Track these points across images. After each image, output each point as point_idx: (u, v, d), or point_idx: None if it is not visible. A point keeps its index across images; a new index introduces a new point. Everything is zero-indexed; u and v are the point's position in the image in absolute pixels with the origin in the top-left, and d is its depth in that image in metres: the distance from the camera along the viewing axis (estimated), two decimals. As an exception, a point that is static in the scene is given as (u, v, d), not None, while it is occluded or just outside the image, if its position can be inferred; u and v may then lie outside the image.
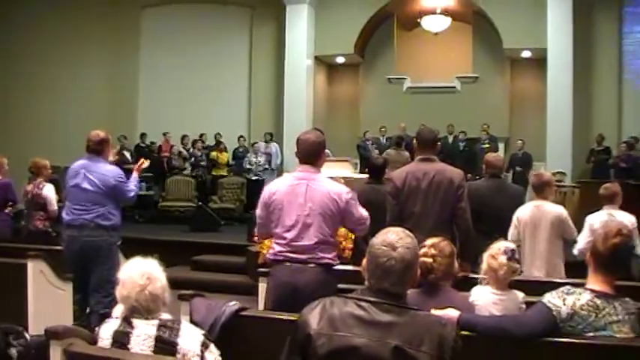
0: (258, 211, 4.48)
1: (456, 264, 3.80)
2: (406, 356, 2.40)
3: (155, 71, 17.66)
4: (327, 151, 11.26)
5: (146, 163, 6.67)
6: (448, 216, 5.00)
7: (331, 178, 4.66)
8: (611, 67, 15.45)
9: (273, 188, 4.40)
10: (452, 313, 3.16)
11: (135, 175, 6.36)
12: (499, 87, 17.05)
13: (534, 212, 6.17)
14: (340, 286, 4.24)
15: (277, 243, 4.32)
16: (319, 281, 4.14)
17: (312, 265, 4.19)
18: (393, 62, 17.71)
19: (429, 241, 3.74)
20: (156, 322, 2.97)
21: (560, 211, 6.20)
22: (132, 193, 6.17)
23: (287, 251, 4.24)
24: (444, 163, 5.42)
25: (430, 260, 3.62)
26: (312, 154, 4.39)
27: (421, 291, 3.60)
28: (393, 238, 2.54)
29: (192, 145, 15.98)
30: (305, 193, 4.25)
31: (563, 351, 3.06)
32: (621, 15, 15.54)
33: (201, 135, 16.17)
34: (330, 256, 4.28)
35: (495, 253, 3.72)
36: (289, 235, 4.24)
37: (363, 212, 4.43)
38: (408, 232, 2.61)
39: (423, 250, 3.59)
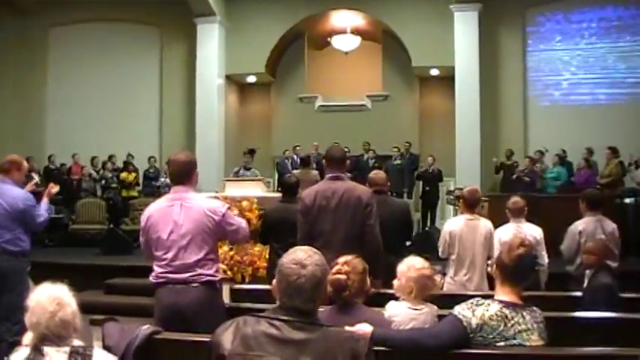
0: (140, 237, 4.48)
1: (368, 281, 3.79)
2: None
3: (64, 91, 17.19)
4: (254, 169, 11.27)
5: (56, 188, 6.48)
6: (358, 234, 5.00)
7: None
8: (517, 84, 15.95)
9: (149, 212, 4.40)
10: (365, 329, 3.18)
11: (45, 200, 6.18)
12: (409, 105, 17.36)
13: (467, 226, 6.30)
14: (255, 306, 4.23)
15: (157, 265, 4.30)
16: (202, 299, 4.16)
17: (194, 285, 4.19)
18: (304, 81, 17.86)
19: (342, 259, 3.73)
20: (67, 349, 2.87)
21: (490, 225, 6.38)
22: (42, 219, 5.99)
23: (168, 272, 4.23)
24: (354, 181, 5.46)
25: (344, 277, 3.60)
26: (182, 174, 4.42)
27: (335, 308, 3.59)
28: (302, 256, 2.53)
29: (102, 166, 15.62)
30: (180, 213, 4.26)
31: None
32: (524, 34, 16.07)
33: (111, 156, 15.77)
34: (210, 272, 4.28)
35: (412, 266, 3.74)
36: (168, 256, 4.23)
37: (241, 222, 4.50)
38: (315, 250, 2.62)
39: (336, 268, 3.60)
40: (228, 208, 4.46)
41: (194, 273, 4.20)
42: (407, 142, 15.79)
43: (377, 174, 6.23)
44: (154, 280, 4.34)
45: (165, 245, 4.24)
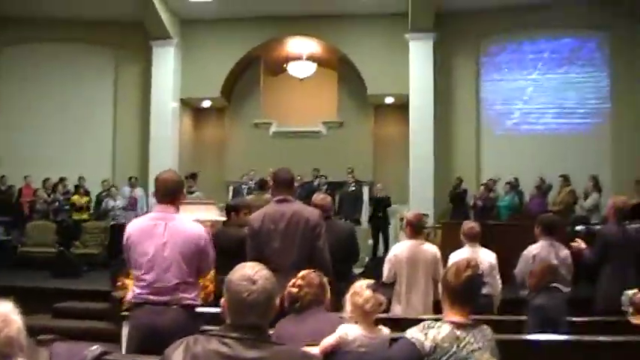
0: (124, 253, 4.39)
1: (328, 294, 3.82)
2: None
3: (15, 111, 16.77)
4: (198, 193, 11.14)
5: None
6: (307, 256, 4.96)
7: (198, 220, 4.59)
8: (470, 113, 16.12)
9: (131, 229, 4.33)
10: (318, 348, 3.14)
11: None
12: (363, 132, 17.43)
13: (412, 251, 6.35)
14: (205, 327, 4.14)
15: (137, 285, 4.21)
16: (180, 322, 4.04)
17: (174, 307, 4.11)
18: (259, 106, 17.84)
19: (300, 273, 3.82)
20: (11, 367, 2.75)
21: (436, 250, 6.45)
22: None
23: (147, 293, 4.14)
24: (301, 203, 5.44)
25: (295, 290, 3.71)
26: (170, 194, 4.36)
27: (290, 318, 3.67)
28: (250, 272, 2.48)
29: (53, 188, 15.31)
30: (164, 233, 4.19)
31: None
32: (478, 63, 16.31)
33: (62, 179, 15.46)
34: (191, 296, 4.21)
35: (358, 290, 3.72)
36: (149, 277, 4.15)
37: (213, 254, 4.44)
38: (261, 264, 2.57)
39: (292, 281, 3.76)
40: (208, 239, 4.39)
41: (174, 296, 4.12)
42: (349, 168, 15.79)
43: (322, 199, 6.20)
44: (132, 300, 4.24)
45: (147, 265, 4.15)
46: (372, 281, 3.80)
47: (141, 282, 4.17)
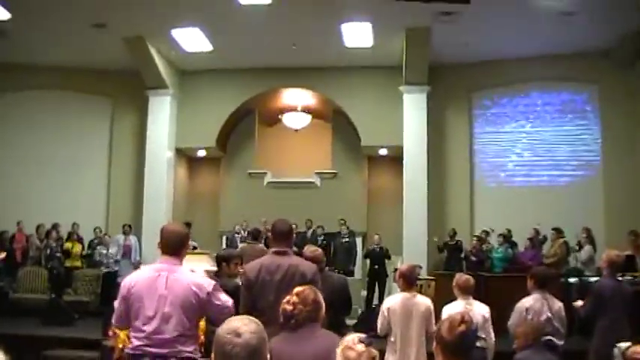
0: (117, 304, 4.34)
1: (323, 311, 3.83)
2: None
3: (10, 156, 16.79)
4: (193, 243, 11.10)
5: (2, 255, 6.27)
6: None
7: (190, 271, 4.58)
8: (463, 165, 16.23)
9: (132, 280, 4.29)
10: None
11: None
12: (357, 183, 17.50)
13: (406, 303, 6.37)
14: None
15: (135, 337, 4.17)
16: None
17: None
18: (254, 157, 17.92)
19: (295, 290, 3.85)
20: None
21: (429, 302, 6.48)
22: None
23: (145, 345, 4.10)
24: (298, 257, 5.44)
25: (290, 308, 3.73)
26: (176, 246, 4.36)
27: (285, 336, 3.70)
28: (237, 324, 2.45)
29: (45, 235, 15.25)
30: (165, 285, 4.17)
31: None
32: (471, 116, 16.48)
33: (55, 225, 15.40)
34: (190, 349, 4.17)
35: (350, 344, 3.67)
36: (148, 328, 4.11)
37: (228, 300, 4.36)
38: (253, 318, 2.54)
39: (288, 297, 3.80)
40: (217, 286, 4.35)
41: (173, 349, 4.09)
42: (341, 219, 15.81)
43: (313, 251, 6.19)
44: (130, 352, 4.19)
45: (147, 316, 4.12)
46: (363, 335, 3.76)
47: (139, 333, 4.13)
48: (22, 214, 15.56)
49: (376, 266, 14.88)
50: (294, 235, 6.15)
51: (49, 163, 16.85)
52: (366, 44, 15.03)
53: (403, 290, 6.58)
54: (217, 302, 4.27)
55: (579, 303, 6.85)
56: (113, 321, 4.49)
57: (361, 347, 3.62)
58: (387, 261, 14.88)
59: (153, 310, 4.13)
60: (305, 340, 3.68)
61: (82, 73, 16.83)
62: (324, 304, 3.92)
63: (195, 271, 5.14)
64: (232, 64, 16.49)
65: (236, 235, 15.54)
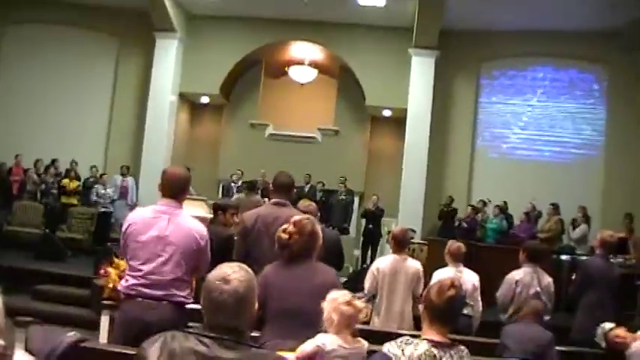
0: (121, 240, 4.36)
1: (319, 243, 3.82)
2: None
3: (12, 89, 16.76)
4: (191, 188, 11.07)
5: None
6: None
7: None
8: (466, 133, 16.18)
9: (133, 218, 4.29)
10: (298, 353, 3.13)
11: None
12: (358, 142, 17.47)
13: (395, 265, 6.40)
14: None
15: (131, 275, 4.17)
16: (170, 319, 3.99)
17: (164, 302, 4.08)
18: (257, 108, 17.84)
19: (293, 218, 3.84)
20: (-14, 348, 2.74)
21: (419, 266, 6.52)
22: None
23: (140, 285, 4.10)
24: (296, 209, 5.43)
25: (286, 236, 3.72)
26: (178, 189, 4.34)
27: (279, 263, 3.72)
28: (227, 271, 2.45)
29: (44, 170, 15.25)
30: (166, 227, 4.16)
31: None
32: (478, 85, 16.38)
33: (54, 160, 15.41)
34: (184, 294, 4.18)
35: (348, 299, 3.63)
36: (145, 268, 4.11)
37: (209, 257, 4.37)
38: (244, 265, 2.54)
39: (285, 225, 3.78)
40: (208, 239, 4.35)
41: (168, 292, 4.09)
42: (342, 177, 15.80)
43: (306, 206, 6.19)
44: (123, 291, 4.20)
45: (144, 256, 4.12)
46: (349, 292, 3.74)
47: (136, 272, 4.13)
48: (21, 148, 15.55)
49: (370, 226, 14.95)
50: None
51: (51, 98, 16.79)
52: (378, 3, 14.92)
53: (394, 252, 6.62)
54: (207, 253, 4.29)
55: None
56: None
57: (361, 304, 3.63)
58: (381, 222, 14.93)
59: (151, 251, 4.12)
60: (301, 274, 3.65)
61: (92, 10, 16.71)
62: (321, 237, 3.89)
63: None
64: (242, 12, 16.36)
65: (232, 184, 15.52)
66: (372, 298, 6.41)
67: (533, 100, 16.05)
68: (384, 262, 6.57)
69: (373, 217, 14.99)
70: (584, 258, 9.50)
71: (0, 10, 16.62)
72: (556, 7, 13.82)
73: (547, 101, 15.97)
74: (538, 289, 6.39)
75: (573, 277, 6.98)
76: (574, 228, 13.22)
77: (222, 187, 16.10)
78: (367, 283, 6.51)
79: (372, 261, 14.33)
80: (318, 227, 3.85)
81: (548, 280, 6.60)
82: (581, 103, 15.78)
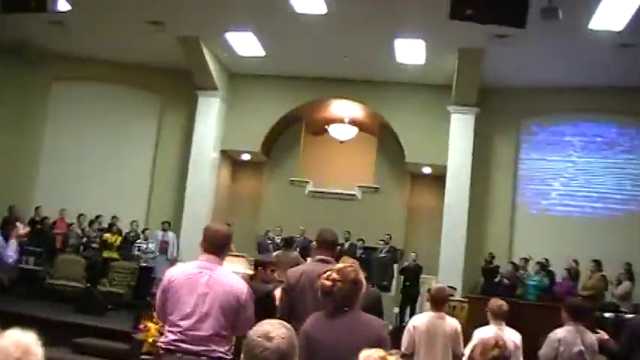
0: (158, 295, 4.35)
1: (363, 290, 3.73)
2: None
3: (59, 145, 17.15)
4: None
5: (25, 230, 6.26)
6: None
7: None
8: (507, 190, 16.11)
9: (174, 274, 4.30)
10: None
11: (13, 241, 5.93)
12: (398, 199, 17.44)
13: (432, 322, 6.35)
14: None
15: (170, 331, 4.16)
16: None
17: (204, 358, 4.06)
18: (297, 165, 17.99)
19: (336, 266, 3.76)
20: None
21: (457, 324, 6.44)
22: (10, 260, 5.84)
23: (180, 340, 4.09)
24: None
25: (329, 284, 3.63)
26: (220, 246, 4.34)
27: (323, 313, 3.65)
28: (268, 328, 2.44)
29: (88, 224, 15.50)
30: (207, 283, 4.16)
31: None
32: (518, 141, 16.35)
33: (98, 216, 15.70)
34: (223, 349, 4.15)
35: (383, 355, 3.56)
36: (185, 324, 4.10)
37: (252, 313, 4.32)
38: (285, 323, 2.53)
39: (327, 273, 3.67)
40: (251, 296, 4.34)
41: (207, 348, 4.08)
42: (387, 234, 15.73)
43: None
44: (163, 346, 4.20)
45: (185, 311, 4.12)
46: (382, 350, 3.68)
47: (175, 327, 4.13)
48: (66, 202, 15.89)
49: (407, 283, 14.81)
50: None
51: (95, 154, 17.14)
52: (418, 61, 15.04)
53: (432, 310, 6.57)
54: (248, 312, 4.26)
55: (604, 335, 6.71)
56: (155, 313, 4.49)
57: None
58: (420, 279, 14.79)
59: (191, 307, 4.11)
60: (345, 327, 3.56)
61: (136, 69, 17.14)
62: (364, 285, 3.85)
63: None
64: (283, 70, 16.62)
65: (268, 241, 15.51)
66: (410, 356, 6.34)
67: (573, 155, 15.95)
68: (420, 319, 6.52)
69: (412, 274, 14.86)
70: (629, 316, 9.29)
71: (48, 66, 17.06)
72: (592, 63, 13.80)
73: (587, 157, 15.87)
74: (582, 347, 6.25)
75: (604, 335, 6.78)
76: (617, 285, 12.96)
77: (258, 243, 15.90)
78: (404, 341, 6.45)
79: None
80: (362, 275, 3.82)
81: (592, 338, 6.45)
82: (622, 158, 15.64)
